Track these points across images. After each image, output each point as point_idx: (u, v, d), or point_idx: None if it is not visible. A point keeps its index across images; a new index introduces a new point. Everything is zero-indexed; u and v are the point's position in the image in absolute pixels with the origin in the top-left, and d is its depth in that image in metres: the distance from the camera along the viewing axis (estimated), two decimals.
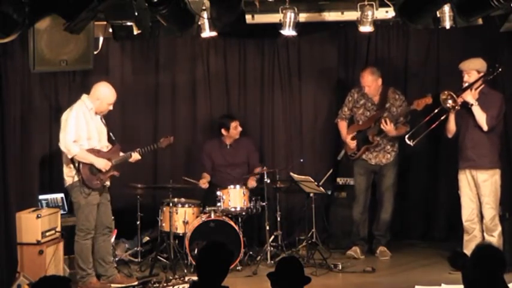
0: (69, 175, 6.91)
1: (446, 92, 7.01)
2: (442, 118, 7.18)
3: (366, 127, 7.92)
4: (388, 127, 7.71)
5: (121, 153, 7.20)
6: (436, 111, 7.18)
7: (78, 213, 6.92)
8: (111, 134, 7.16)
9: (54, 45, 6.35)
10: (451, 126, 7.22)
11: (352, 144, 7.93)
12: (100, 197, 6.97)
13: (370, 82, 7.80)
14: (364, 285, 7.14)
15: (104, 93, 7.02)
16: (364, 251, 8.03)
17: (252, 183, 8.08)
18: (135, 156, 7.24)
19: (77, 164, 6.84)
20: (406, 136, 7.34)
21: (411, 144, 7.28)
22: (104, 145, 7.10)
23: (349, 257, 7.89)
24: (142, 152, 7.30)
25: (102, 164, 6.91)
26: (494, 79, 7.20)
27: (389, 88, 7.94)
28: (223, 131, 8.24)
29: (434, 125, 7.26)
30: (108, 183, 7.07)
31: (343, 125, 8.09)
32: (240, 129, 8.26)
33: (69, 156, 6.84)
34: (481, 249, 3.99)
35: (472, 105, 7.00)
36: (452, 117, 7.17)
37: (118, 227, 7.57)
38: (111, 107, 7.08)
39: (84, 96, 7.02)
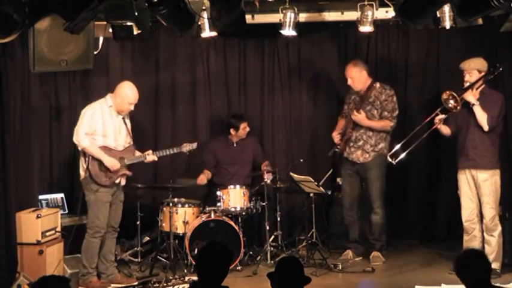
0: (83, 169, 6.95)
1: (448, 92, 7.00)
2: (428, 132, 7.22)
3: (349, 121, 7.86)
4: (359, 116, 7.64)
5: (136, 153, 7.20)
6: (421, 125, 7.20)
7: (89, 211, 6.96)
8: (130, 135, 7.17)
9: (54, 45, 6.36)
10: (445, 131, 7.23)
11: (337, 138, 7.88)
12: (112, 197, 6.99)
13: (353, 73, 7.74)
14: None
15: (125, 92, 7.03)
16: (359, 253, 7.96)
17: (269, 176, 8.00)
18: (151, 157, 7.24)
19: (87, 159, 6.87)
20: (388, 154, 7.30)
21: (393, 163, 7.26)
22: (120, 144, 7.08)
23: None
24: (159, 155, 7.30)
25: (110, 162, 6.90)
26: (495, 79, 7.20)
27: (377, 83, 7.83)
28: (231, 131, 8.24)
29: (418, 141, 7.30)
30: (122, 181, 7.09)
31: (338, 122, 8.06)
32: (248, 129, 8.28)
33: (79, 148, 6.91)
34: (464, 257, 4.13)
35: (473, 105, 6.99)
36: (442, 127, 7.18)
37: (118, 227, 7.57)
38: (132, 107, 7.09)
39: (108, 95, 7.07)
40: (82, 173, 6.97)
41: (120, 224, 7.23)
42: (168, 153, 7.39)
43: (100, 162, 6.88)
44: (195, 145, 7.56)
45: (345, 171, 7.96)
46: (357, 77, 7.76)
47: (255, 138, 8.52)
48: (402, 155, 7.31)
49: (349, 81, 7.79)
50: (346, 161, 7.91)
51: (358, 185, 7.96)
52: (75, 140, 6.89)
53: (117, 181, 7.01)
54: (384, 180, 7.84)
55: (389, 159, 7.29)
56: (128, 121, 7.19)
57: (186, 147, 7.51)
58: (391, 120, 7.73)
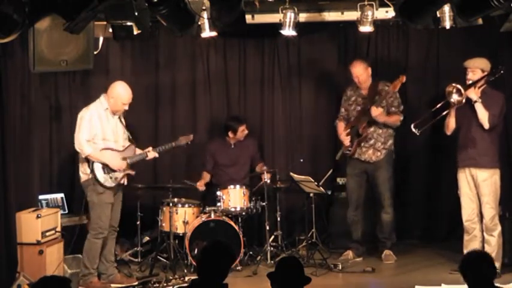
0: (84, 172, 6.93)
1: (452, 85, 6.95)
2: (446, 112, 7.16)
3: (357, 121, 7.83)
4: (376, 111, 7.60)
5: (137, 151, 7.21)
6: (441, 103, 7.13)
7: (92, 212, 6.94)
8: (128, 133, 7.18)
9: (54, 45, 6.35)
10: (451, 123, 7.19)
11: (346, 140, 7.86)
12: (114, 197, 6.99)
13: (362, 70, 7.73)
14: (364, 285, 7.14)
15: (118, 92, 7.02)
16: (359, 253, 7.95)
17: (269, 176, 7.92)
18: (152, 154, 7.28)
19: (91, 163, 6.86)
20: (412, 125, 7.16)
21: (417, 133, 7.13)
22: (120, 145, 7.09)
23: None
24: (160, 150, 7.35)
25: (117, 164, 6.94)
26: (495, 79, 7.19)
27: (379, 81, 7.85)
28: (230, 134, 8.22)
29: (439, 116, 7.21)
30: (125, 181, 7.10)
31: (340, 126, 7.99)
32: (246, 132, 8.26)
33: (83, 156, 6.87)
34: (468, 259, 4.14)
35: (475, 102, 6.97)
36: (453, 113, 7.14)
37: (118, 227, 7.57)
38: (126, 107, 7.08)
39: (102, 96, 7.04)
40: (83, 176, 6.94)
41: (120, 224, 7.24)
42: (167, 147, 7.46)
43: (104, 166, 6.89)
44: (191, 137, 7.63)
45: (353, 170, 7.93)
46: (365, 74, 7.77)
47: (254, 141, 8.50)
48: (427, 126, 7.19)
49: (357, 80, 7.77)
50: (355, 161, 7.89)
51: (365, 185, 7.97)
52: (77, 148, 6.87)
53: (121, 181, 7.03)
54: (393, 179, 7.88)
55: (413, 129, 7.15)
56: (123, 120, 7.17)
57: (183, 140, 7.56)
58: (400, 115, 7.76)
